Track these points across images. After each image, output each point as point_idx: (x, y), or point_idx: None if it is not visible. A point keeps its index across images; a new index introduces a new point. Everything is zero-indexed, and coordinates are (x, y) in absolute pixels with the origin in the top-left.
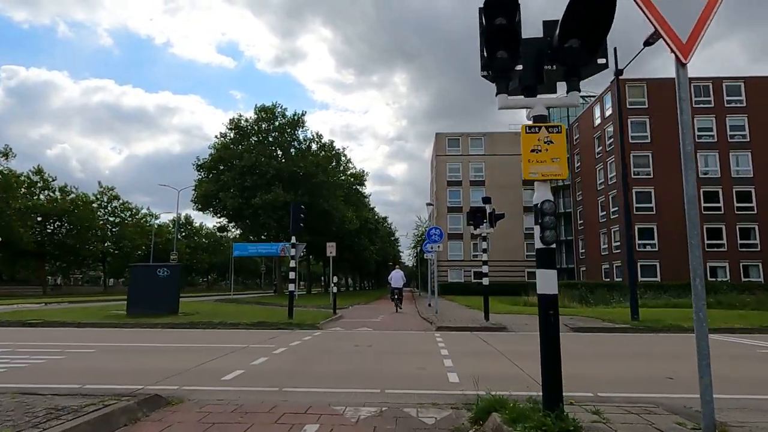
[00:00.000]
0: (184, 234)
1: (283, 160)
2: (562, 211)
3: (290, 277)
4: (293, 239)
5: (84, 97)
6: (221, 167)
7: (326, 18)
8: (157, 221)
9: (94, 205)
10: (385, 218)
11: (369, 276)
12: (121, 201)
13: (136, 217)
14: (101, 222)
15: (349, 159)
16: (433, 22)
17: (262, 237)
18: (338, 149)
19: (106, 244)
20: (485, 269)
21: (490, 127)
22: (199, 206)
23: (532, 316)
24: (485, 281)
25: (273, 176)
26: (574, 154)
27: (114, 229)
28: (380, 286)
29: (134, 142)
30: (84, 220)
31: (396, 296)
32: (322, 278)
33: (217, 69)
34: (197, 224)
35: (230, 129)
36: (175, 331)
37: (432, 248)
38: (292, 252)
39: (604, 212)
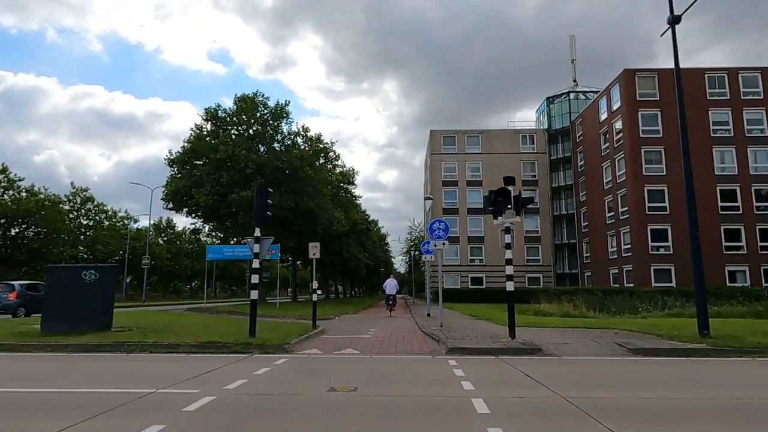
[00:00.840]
0: (165, 238)
1: (265, 155)
2: (564, 212)
3: (253, 281)
4: (257, 231)
5: (73, 103)
6: (195, 161)
7: (316, 26)
8: (137, 225)
9: (66, 206)
10: (376, 222)
11: (360, 282)
12: (96, 203)
13: (113, 219)
14: (72, 224)
15: (338, 155)
16: (423, 30)
17: (243, 240)
18: (326, 143)
19: (78, 249)
20: (509, 270)
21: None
22: (171, 205)
23: (561, 330)
24: (510, 286)
25: (253, 171)
26: (577, 152)
27: (88, 233)
28: (372, 293)
29: (123, 149)
30: (51, 222)
31: (390, 302)
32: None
33: (208, 76)
34: (180, 228)
35: (206, 120)
36: (83, 358)
37: (435, 246)
38: (256, 249)
39: (612, 213)
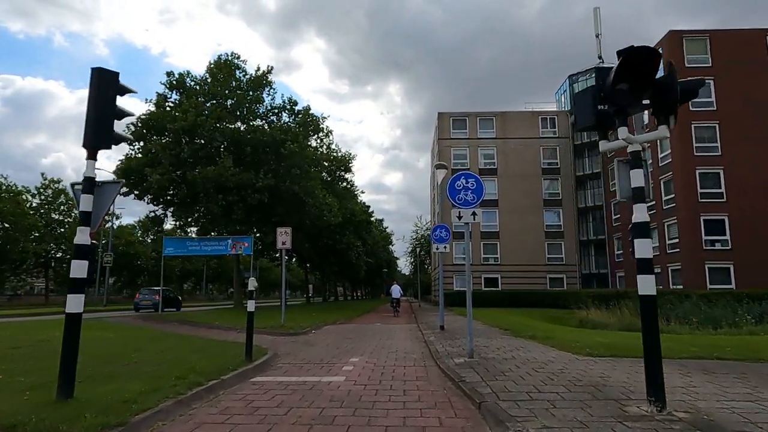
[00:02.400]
0: (153, 237)
1: (241, 128)
2: (591, 204)
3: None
4: (89, 166)
5: (80, 106)
6: (155, 136)
7: (320, 29)
8: (119, 221)
9: (35, 200)
10: (381, 221)
11: (361, 284)
12: (71, 197)
13: None
14: (40, 220)
15: (330, 132)
16: (426, 33)
17: (214, 233)
18: (317, 116)
19: (50, 246)
20: (645, 249)
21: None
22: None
23: (709, 366)
24: (648, 283)
25: (222, 146)
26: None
27: (61, 230)
28: (374, 296)
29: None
30: (11, 216)
31: (395, 305)
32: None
33: None
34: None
35: (170, 88)
36: None
37: (460, 217)
38: (86, 204)
39: (653, 202)
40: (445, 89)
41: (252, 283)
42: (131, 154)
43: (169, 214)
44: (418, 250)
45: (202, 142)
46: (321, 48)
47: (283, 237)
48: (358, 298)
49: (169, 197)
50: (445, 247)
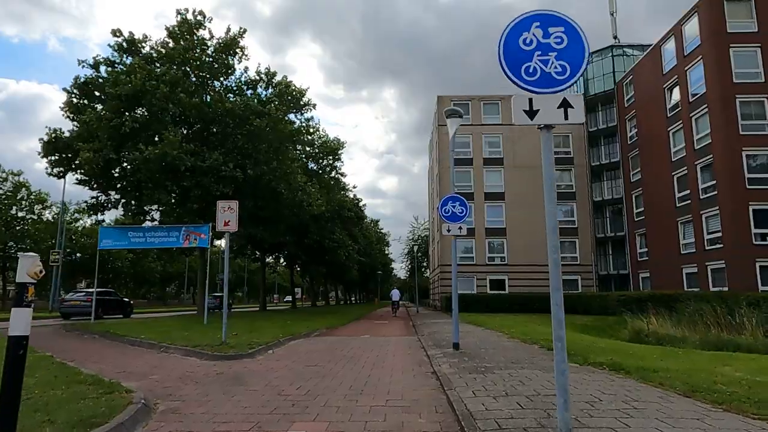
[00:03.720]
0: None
1: (207, 100)
2: (608, 197)
3: None
4: None
5: None
6: (86, 104)
7: (314, 35)
8: (90, 219)
9: None
10: (377, 222)
11: (355, 287)
12: (36, 192)
13: (53, 210)
14: None
15: (314, 105)
16: (419, 39)
17: (174, 221)
18: (299, 88)
19: (7, 246)
20: None
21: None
22: (49, 169)
23: None
24: None
25: (176, 117)
26: (625, 120)
27: (18, 226)
28: (369, 300)
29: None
30: None
31: (395, 306)
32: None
33: None
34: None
35: (119, 51)
36: None
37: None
38: None
39: (687, 191)
40: (441, 94)
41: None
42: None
43: (114, 200)
44: (415, 248)
45: (150, 110)
46: (316, 53)
47: (227, 214)
48: (352, 303)
49: (109, 181)
50: (460, 228)
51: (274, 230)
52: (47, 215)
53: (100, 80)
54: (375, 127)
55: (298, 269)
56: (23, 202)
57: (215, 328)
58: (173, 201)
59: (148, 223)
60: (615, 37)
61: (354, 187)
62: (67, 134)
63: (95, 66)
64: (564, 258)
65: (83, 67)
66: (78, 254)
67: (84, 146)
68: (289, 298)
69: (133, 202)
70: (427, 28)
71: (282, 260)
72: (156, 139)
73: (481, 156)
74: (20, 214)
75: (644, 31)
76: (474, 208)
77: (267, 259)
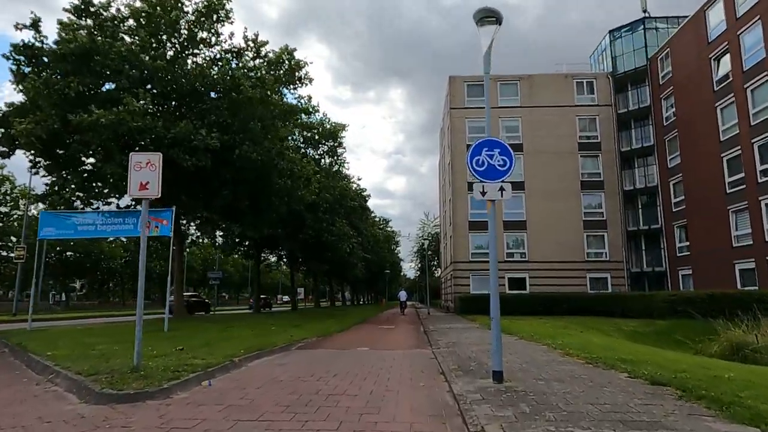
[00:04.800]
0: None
1: (184, 69)
2: (641, 186)
3: None
4: None
5: None
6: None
7: (321, 37)
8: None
9: None
10: (387, 221)
11: (362, 287)
12: (20, 187)
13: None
14: None
15: (310, 79)
16: (425, 40)
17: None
18: (299, 60)
19: None
20: None
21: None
22: None
23: None
24: None
25: (138, 79)
26: (660, 99)
27: (1, 224)
28: (377, 301)
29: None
30: None
31: (403, 306)
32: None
33: None
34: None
35: (77, 14)
36: None
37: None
38: None
39: (741, 174)
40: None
41: None
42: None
43: (72, 186)
44: (425, 244)
45: (104, 68)
46: (323, 54)
47: (144, 173)
48: (360, 304)
49: (44, 151)
50: (501, 191)
51: (260, 222)
52: (33, 211)
53: (44, 43)
54: (382, 127)
55: (304, 268)
56: (7, 197)
57: (172, 339)
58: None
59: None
60: (644, 11)
61: (359, 179)
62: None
63: (34, 25)
64: (591, 253)
65: (20, 29)
66: (69, 253)
67: (18, 120)
68: (286, 298)
69: (79, 182)
70: (431, 28)
71: (282, 258)
72: (115, 110)
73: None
74: (3, 210)
75: (675, 3)
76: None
77: (269, 258)
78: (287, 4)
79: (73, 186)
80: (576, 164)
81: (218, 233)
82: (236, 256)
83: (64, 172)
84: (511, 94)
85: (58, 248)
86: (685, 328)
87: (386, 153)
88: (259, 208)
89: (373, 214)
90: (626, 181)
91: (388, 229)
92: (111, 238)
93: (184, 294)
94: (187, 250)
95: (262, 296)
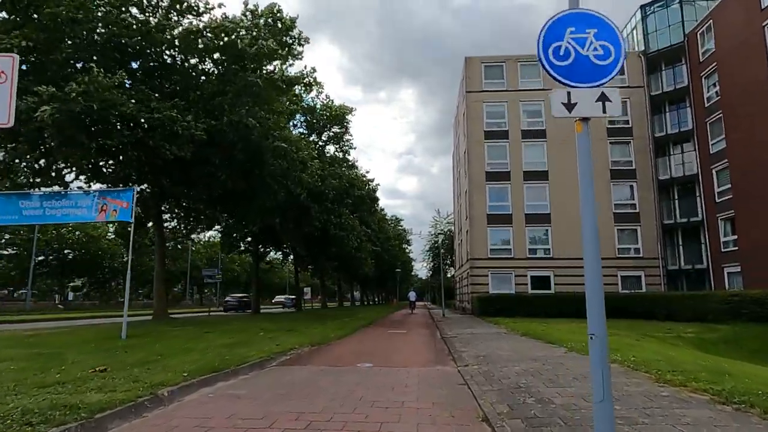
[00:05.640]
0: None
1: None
2: (678, 175)
3: None
4: None
5: None
6: None
7: (332, 37)
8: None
9: None
10: (399, 220)
11: (372, 285)
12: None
13: None
14: None
15: (306, 38)
16: (436, 40)
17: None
18: (294, 30)
19: None
20: None
21: None
22: None
23: None
24: None
25: (95, 45)
26: (700, 79)
27: None
28: (388, 301)
29: None
30: None
31: (412, 306)
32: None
33: None
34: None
35: None
36: None
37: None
38: None
39: None
40: (457, 94)
41: None
42: None
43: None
44: (441, 238)
45: (54, 38)
46: (334, 55)
47: None
48: (370, 304)
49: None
50: (603, 101)
51: (254, 211)
52: None
53: None
54: (393, 128)
55: (311, 267)
56: None
57: (117, 350)
58: (91, 165)
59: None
60: None
61: (367, 172)
62: None
63: None
64: (623, 249)
65: None
66: (68, 251)
67: None
68: (281, 298)
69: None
70: (443, 28)
71: (288, 255)
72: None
73: (519, 128)
74: None
75: None
76: (511, 189)
77: (271, 254)
78: (297, 6)
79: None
80: (605, 152)
81: (216, 227)
82: (235, 254)
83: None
84: (533, 76)
85: (54, 245)
86: (756, 334)
87: (397, 153)
88: (253, 193)
89: (383, 211)
90: (661, 170)
91: (400, 227)
92: (111, 236)
93: (236, 295)
94: (193, 248)
95: (238, 296)
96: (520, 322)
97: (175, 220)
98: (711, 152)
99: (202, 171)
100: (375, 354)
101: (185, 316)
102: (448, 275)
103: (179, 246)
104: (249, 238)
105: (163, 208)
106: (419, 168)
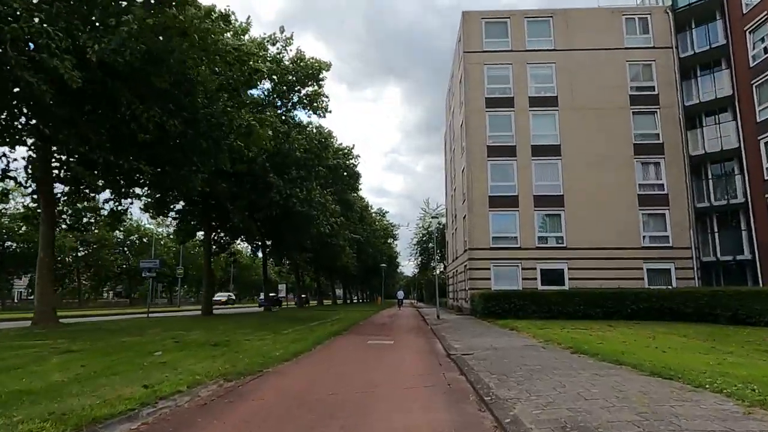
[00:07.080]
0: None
1: None
2: (714, 150)
3: None
4: None
5: None
6: None
7: (318, 36)
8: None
9: None
10: (385, 213)
11: (354, 282)
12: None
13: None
14: None
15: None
16: (422, 39)
17: None
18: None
19: None
20: None
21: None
22: None
23: None
24: None
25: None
26: (744, 34)
27: None
28: (372, 300)
29: None
30: None
31: (399, 303)
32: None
33: None
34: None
35: None
36: None
37: None
38: None
39: None
40: (443, 94)
41: None
42: None
43: None
44: (434, 223)
45: None
46: (320, 54)
47: None
48: (354, 302)
49: None
50: None
51: (184, 174)
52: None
53: None
54: (379, 126)
55: (288, 262)
56: None
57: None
58: None
59: None
60: None
61: (352, 147)
62: None
63: None
64: (649, 238)
65: None
66: (9, 243)
67: None
68: (222, 296)
69: None
70: (428, 28)
71: (252, 246)
72: None
73: (526, 94)
74: None
75: None
76: (517, 166)
77: (231, 243)
78: (283, 4)
79: None
80: (627, 123)
81: (138, 191)
82: (187, 244)
83: None
84: (542, 35)
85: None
86: None
87: (383, 152)
88: (182, 152)
89: (367, 204)
90: (693, 145)
91: (386, 221)
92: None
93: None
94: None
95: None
96: (541, 327)
97: (70, 180)
98: (757, 120)
99: (99, 105)
100: (337, 398)
101: (110, 318)
102: (437, 272)
103: (145, 240)
104: (178, 207)
105: (55, 164)
106: (404, 166)
